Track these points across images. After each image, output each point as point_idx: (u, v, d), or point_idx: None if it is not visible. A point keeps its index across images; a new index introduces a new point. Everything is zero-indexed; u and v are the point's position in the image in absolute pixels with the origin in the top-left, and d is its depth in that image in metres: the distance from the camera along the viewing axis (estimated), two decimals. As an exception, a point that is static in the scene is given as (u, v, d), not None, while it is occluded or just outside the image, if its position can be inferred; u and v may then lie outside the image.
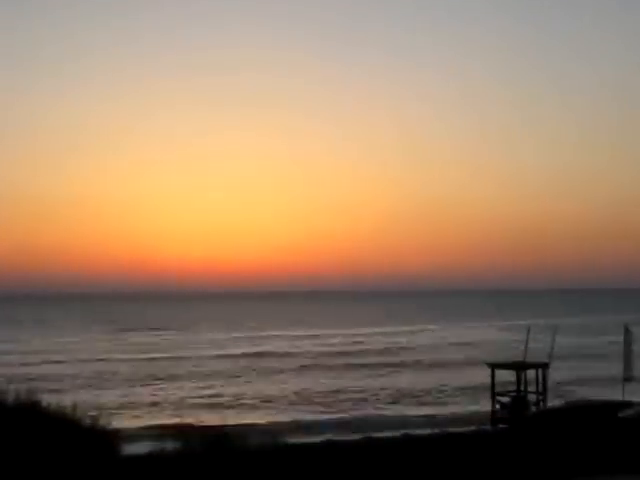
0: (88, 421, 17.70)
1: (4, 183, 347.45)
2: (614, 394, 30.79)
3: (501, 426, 31.10)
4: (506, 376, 34.29)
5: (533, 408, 32.31)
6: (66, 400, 20.13)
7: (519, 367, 33.30)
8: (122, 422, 30.75)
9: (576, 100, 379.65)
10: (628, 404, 28.93)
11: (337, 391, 48.57)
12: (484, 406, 35.63)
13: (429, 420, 36.61)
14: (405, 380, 53.86)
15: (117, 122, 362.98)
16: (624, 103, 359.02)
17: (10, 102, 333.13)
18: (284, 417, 38.76)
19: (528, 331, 33.51)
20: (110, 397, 45.57)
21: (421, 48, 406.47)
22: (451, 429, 28.96)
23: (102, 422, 18.07)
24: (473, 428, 29.77)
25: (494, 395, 33.13)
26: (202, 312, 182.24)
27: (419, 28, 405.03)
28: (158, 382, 53.67)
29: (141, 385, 52.40)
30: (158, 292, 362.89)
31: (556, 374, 36.60)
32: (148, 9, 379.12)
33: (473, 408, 39.97)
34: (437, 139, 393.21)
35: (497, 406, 32.98)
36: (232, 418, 37.49)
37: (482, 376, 37.73)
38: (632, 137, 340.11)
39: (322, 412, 40.91)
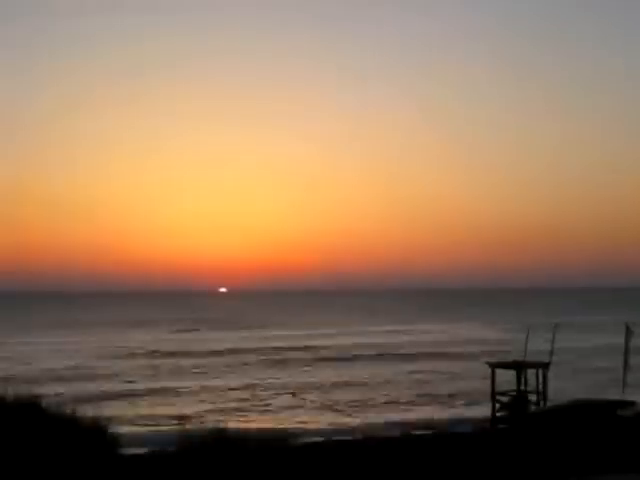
0: (88, 420, 17.72)
1: (11, 182, 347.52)
2: (614, 393, 30.82)
3: (501, 426, 31.13)
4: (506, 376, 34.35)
5: (533, 407, 32.35)
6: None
7: (519, 367, 33.32)
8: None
9: (573, 101, 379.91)
10: (628, 403, 28.93)
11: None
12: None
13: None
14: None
15: (119, 124, 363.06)
16: (622, 102, 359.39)
17: (16, 103, 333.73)
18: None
19: (528, 331, 33.57)
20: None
21: (415, 49, 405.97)
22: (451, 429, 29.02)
23: (102, 421, 18.10)
24: (473, 428, 29.83)
25: (494, 395, 33.17)
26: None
27: (414, 27, 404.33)
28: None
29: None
30: (169, 291, 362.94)
31: (556, 373, 36.66)
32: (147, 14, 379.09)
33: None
34: (440, 139, 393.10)
35: (497, 405, 33.02)
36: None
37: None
38: (632, 137, 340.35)
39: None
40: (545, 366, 33.05)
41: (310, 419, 37.92)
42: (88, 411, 18.34)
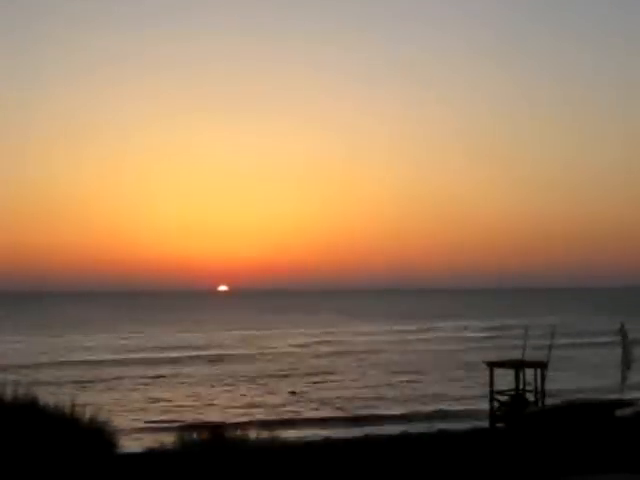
0: (86, 418, 17.76)
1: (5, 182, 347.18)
2: (612, 393, 30.89)
3: (499, 425, 31.20)
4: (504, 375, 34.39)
5: (531, 407, 32.39)
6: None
7: (517, 366, 33.38)
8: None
9: (580, 99, 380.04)
10: (626, 403, 28.98)
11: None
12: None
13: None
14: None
15: (112, 121, 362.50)
16: (628, 100, 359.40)
17: (8, 100, 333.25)
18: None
19: (526, 330, 33.62)
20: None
21: (425, 43, 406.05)
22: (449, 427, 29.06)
23: (101, 419, 18.15)
24: (471, 427, 29.89)
25: (492, 394, 33.22)
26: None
27: (426, 22, 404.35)
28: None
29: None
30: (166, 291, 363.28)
31: (554, 373, 36.70)
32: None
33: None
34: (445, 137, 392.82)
35: (495, 405, 33.08)
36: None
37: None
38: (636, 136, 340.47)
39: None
40: (543, 365, 33.09)
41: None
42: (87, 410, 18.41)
